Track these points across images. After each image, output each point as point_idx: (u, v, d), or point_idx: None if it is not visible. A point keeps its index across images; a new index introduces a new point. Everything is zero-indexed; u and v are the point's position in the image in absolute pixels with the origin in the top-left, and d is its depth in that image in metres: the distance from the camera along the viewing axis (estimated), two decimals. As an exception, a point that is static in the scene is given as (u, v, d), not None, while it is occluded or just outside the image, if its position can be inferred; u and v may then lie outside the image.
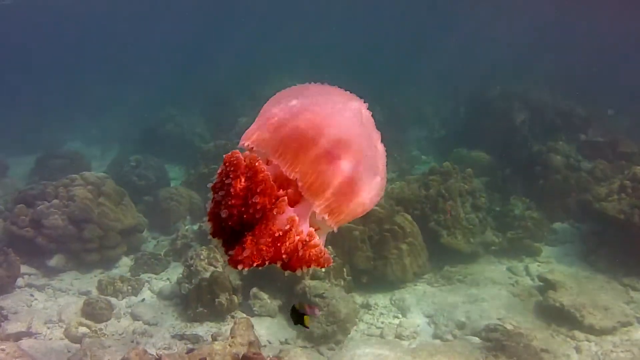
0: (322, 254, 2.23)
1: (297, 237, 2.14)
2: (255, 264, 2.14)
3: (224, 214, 2.17)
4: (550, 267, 13.33)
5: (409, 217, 13.03)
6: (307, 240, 2.17)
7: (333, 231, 2.36)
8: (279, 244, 2.12)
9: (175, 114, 25.46)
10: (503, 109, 20.96)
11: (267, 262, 2.16)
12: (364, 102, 2.45)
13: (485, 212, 14.98)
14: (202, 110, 27.63)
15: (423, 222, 13.47)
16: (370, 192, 2.39)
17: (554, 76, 25.69)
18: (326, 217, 2.24)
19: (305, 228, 2.21)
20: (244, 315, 10.94)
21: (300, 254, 2.17)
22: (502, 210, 15.65)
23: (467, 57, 34.91)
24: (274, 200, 2.15)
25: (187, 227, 15.14)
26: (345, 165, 2.24)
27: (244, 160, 2.19)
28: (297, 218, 2.15)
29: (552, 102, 21.04)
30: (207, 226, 2.28)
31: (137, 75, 36.78)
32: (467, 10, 40.96)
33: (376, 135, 2.46)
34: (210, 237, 2.29)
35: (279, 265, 2.22)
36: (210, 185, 2.30)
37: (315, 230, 2.31)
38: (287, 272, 2.29)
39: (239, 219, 2.15)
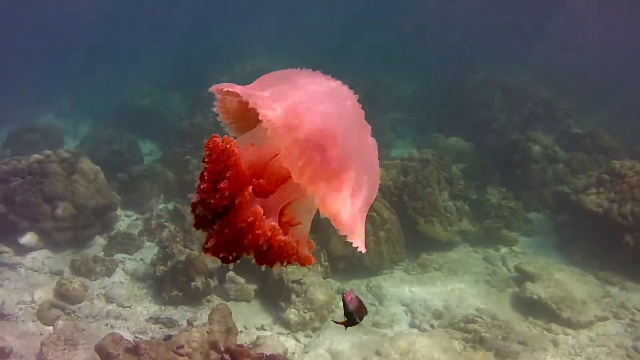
0: (294, 250, 2.08)
1: (259, 231, 1.98)
2: (221, 255, 2.07)
3: (195, 198, 2.09)
4: (527, 258, 13.34)
5: (387, 203, 12.96)
6: (270, 235, 2.00)
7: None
8: (241, 237, 1.99)
9: (150, 89, 25.18)
10: (483, 96, 20.98)
11: (233, 254, 2.07)
12: (354, 93, 2.31)
13: (463, 201, 14.96)
14: (178, 86, 27.30)
15: (400, 208, 13.40)
16: (365, 184, 2.23)
17: (539, 65, 25.74)
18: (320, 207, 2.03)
19: (272, 222, 2.06)
20: (220, 299, 10.85)
21: (266, 248, 2.01)
22: (479, 198, 15.63)
23: (450, 41, 34.76)
24: (242, 187, 2.02)
25: (161, 206, 14.98)
26: (335, 153, 2.05)
27: (221, 144, 2.06)
28: (261, 210, 2.01)
29: (533, 91, 21.05)
30: (190, 217, 2.16)
31: (112, 49, 36.28)
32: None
33: (366, 128, 2.35)
34: (193, 227, 2.18)
35: (252, 259, 2.10)
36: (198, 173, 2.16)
37: (295, 225, 2.26)
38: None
39: (208, 205, 2.04)
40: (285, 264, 2.14)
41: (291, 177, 1.98)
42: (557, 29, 35.25)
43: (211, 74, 26.46)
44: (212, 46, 32.91)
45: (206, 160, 2.07)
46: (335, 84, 2.29)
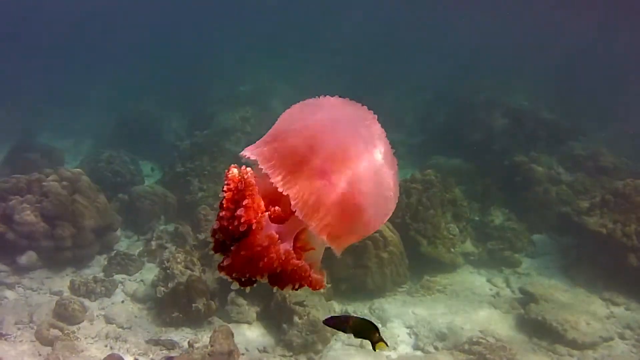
0: (306, 274, 2.22)
1: (273, 255, 2.13)
2: (235, 275, 2.21)
3: (215, 225, 2.23)
4: (531, 280, 13.23)
5: (390, 225, 12.85)
6: (284, 259, 2.15)
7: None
8: (257, 259, 2.13)
9: (150, 109, 25.12)
10: (484, 117, 20.88)
11: (247, 276, 2.21)
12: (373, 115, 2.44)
13: (466, 222, 14.86)
14: (177, 105, 27.29)
15: (403, 230, 13.29)
16: (375, 211, 2.34)
17: (539, 84, 25.74)
18: (324, 238, 2.21)
19: (287, 246, 2.22)
20: (221, 321, 10.72)
21: (280, 272, 2.17)
22: (481, 220, 15.53)
23: (451, 61, 34.80)
24: (258, 214, 2.17)
25: (162, 227, 14.88)
26: (340, 181, 2.20)
27: (238, 174, 2.24)
28: (276, 235, 2.16)
29: (535, 112, 20.99)
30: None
31: (112, 68, 36.27)
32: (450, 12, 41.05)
33: (384, 147, 2.40)
34: (212, 252, 2.30)
35: (265, 280, 2.25)
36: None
37: (308, 250, 2.35)
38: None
39: (227, 231, 2.19)
40: (296, 286, 2.25)
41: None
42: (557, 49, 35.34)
43: (210, 94, 26.53)
44: (213, 65, 32.96)
45: (225, 189, 2.23)
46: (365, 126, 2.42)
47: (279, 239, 2.17)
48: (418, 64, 33.90)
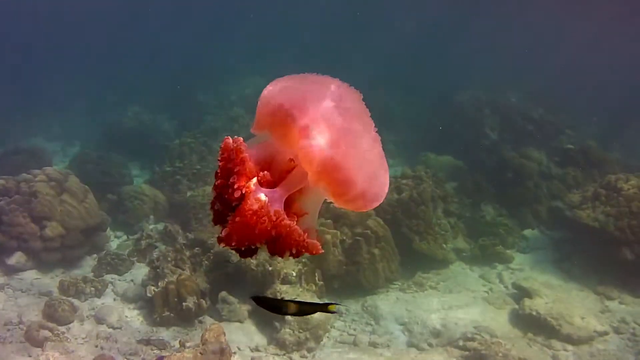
0: (301, 237, 2.20)
1: (265, 217, 2.13)
2: (234, 245, 2.17)
3: (212, 194, 2.29)
4: (524, 275, 13.20)
5: (381, 221, 12.77)
6: (276, 220, 2.15)
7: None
8: (252, 224, 2.13)
9: (139, 111, 24.95)
10: (473, 113, 20.86)
11: (245, 244, 2.18)
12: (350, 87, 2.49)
13: (457, 218, 14.82)
14: (165, 106, 27.12)
15: (395, 226, 13.22)
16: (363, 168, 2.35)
17: (527, 81, 25.77)
18: (321, 187, 2.25)
19: (276, 208, 2.21)
20: (212, 320, 10.61)
21: (275, 236, 2.17)
22: (473, 216, 15.49)
23: (439, 60, 34.83)
24: (250, 180, 2.20)
25: (151, 226, 14.78)
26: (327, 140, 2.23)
27: (231, 144, 2.26)
28: (265, 198, 2.19)
29: (523, 108, 20.98)
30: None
31: (99, 70, 36.08)
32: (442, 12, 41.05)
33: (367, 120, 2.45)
34: (212, 224, 2.36)
35: (265, 248, 2.25)
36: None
37: (301, 215, 2.40)
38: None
39: (223, 200, 2.22)
40: (294, 252, 2.22)
41: (294, 168, 2.30)
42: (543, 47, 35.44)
43: (198, 95, 26.49)
44: (200, 68, 32.85)
45: (219, 158, 2.26)
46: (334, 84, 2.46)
47: (268, 202, 2.19)
48: (406, 63, 33.81)
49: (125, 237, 14.73)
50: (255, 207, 2.12)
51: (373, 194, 2.36)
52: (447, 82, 26.32)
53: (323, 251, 2.35)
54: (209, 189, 15.28)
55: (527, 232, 15.35)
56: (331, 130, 2.23)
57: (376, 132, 2.41)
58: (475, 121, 20.49)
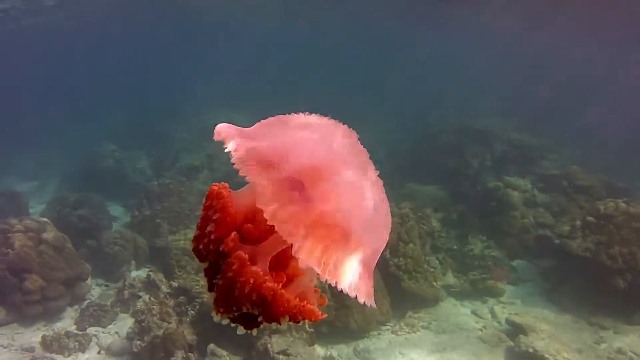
0: (291, 303, 1.89)
1: (243, 278, 1.85)
2: (224, 310, 1.94)
3: (191, 244, 2.05)
4: (516, 308, 13.10)
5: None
6: (254, 281, 1.84)
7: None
8: (230, 287, 1.88)
9: (114, 149, 24.67)
10: (452, 142, 20.77)
11: (232, 308, 1.92)
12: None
13: (445, 253, 14.68)
14: (140, 144, 26.94)
15: (383, 266, 13.01)
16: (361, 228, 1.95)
17: (504, 108, 25.87)
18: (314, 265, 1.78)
19: (258, 268, 1.89)
20: (202, 374, 10.33)
21: (255, 299, 1.86)
22: (460, 249, 15.34)
23: (415, 89, 35.00)
24: (233, 232, 1.94)
25: (133, 275, 14.48)
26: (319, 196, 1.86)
27: (215, 189, 2.03)
28: (244, 256, 1.88)
29: (504, 134, 20.94)
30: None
31: (74, 107, 35.94)
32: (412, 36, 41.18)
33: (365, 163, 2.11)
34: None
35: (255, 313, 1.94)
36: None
37: (297, 276, 2.10)
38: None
39: (199, 251, 2.00)
40: (289, 319, 1.93)
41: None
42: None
43: (172, 130, 26.35)
44: (170, 102, 32.84)
45: (202, 207, 2.04)
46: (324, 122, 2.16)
47: (248, 260, 1.88)
48: (383, 91, 33.98)
49: (106, 285, 14.42)
50: (235, 266, 1.87)
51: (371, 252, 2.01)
52: (426, 109, 26.35)
53: (325, 315, 2.04)
54: (190, 232, 15.04)
55: (516, 262, 15.24)
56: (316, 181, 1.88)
57: (375, 173, 2.11)
58: (456, 148, 20.38)
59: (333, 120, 2.17)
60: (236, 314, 1.95)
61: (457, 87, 33.63)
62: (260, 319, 1.95)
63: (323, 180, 1.90)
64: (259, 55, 48.75)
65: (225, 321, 2.01)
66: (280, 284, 1.92)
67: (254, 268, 1.89)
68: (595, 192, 16.26)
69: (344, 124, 2.15)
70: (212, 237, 1.93)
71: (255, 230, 2.02)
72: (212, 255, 1.95)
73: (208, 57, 48.67)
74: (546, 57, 38.04)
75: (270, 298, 1.86)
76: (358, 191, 2.00)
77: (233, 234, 1.93)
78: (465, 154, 20.07)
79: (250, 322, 1.99)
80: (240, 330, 2.05)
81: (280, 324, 1.95)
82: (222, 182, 2.07)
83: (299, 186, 1.84)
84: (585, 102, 30.64)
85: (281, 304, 1.87)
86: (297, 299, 1.94)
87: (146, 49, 48.46)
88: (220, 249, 1.91)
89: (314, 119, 2.18)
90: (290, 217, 1.77)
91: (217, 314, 1.97)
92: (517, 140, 20.51)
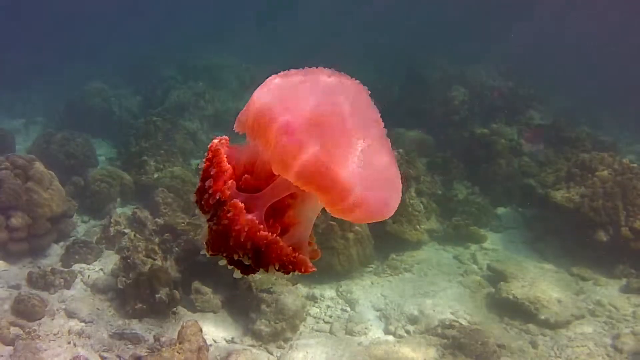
0: (284, 252, 1.96)
1: (238, 226, 1.90)
2: (215, 253, 2.04)
3: (192, 198, 2.12)
4: (497, 255, 13.22)
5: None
6: (248, 229, 1.90)
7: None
8: (224, 234, 1.95)
9: (102, 87, 24.45)
10: (441, 88, 20.70)
11: (224, 254, 2.01)
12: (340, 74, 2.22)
13: (429, 197, 14.73)
14: (128, 82, 26.74)
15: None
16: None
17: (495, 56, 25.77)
18: (317, 197, 1.97)
19: (254, 217, 1.96)
20: (186, 311, 10.42)
21: (250, 247, 1.92)
22: (445, 194, 15.41)
23: (405, 32, 34.70)
24: (228, 184, 1.99)
25: (119, 210, 14.51)
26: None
27: (215, 143, 2.10)
28: (240, 204, 1.93)
29: (492, 82, 20.90)
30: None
31: (61, 44, 35.47)
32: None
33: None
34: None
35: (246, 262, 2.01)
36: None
37: (292, 225, 2.17)
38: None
39: (201, 205, 2.06)
40: (279, 268, 1.99)
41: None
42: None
43: (161, 69, 26.15)
44: (164, 44, 32.51)
45: (204, 160, 2.08)
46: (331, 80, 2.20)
47: (244, 208, 1.93)
48: (371, 35, 33.69)
49: (92, 222, 14.42)
50: (229, 214, 1.92)
51: (376, 203, 2.07)
52: (417, 55, 26.19)
53: (315, 269, 2.14)
54: (177, 169, 15.05)
55: (500, 210, 15.34)
56: (315, 128, 1.95)
57: (383, 129, 2.24)
58: (443, 95, 20.33)
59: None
60: (228, 259, 2.02)
61: (455, 35, 33.37)
62: (251, 265, 2.00)
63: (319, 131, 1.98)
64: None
65: (222, 262, 2.10)
66: (275, 234, 1.97)
67: (249, 216, 1.95)
68: (581, 144, 16.31)
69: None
70: (210, 191, 1.97)
71: (253, 180, 2.09)
72: (211, 207, 1.99)
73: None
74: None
75: (264, 246, 1.92)
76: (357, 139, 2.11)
77: (230, 182, 1.98)
78: (452, 101, 20.03)
79: (244, 267, 2.05)
80: (237, 274, 2.08)
81: (267, 272, 2.00)
82: (222, 136, 2.12)
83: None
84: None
85: (274, 252, 1.93)
86: (291, 249, 1.99)
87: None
88: (217, 196, 1.95)
89: (318, 70, 2.23)
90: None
91: (211, 255, 2.06)
92: (506, 88, 20.49)
